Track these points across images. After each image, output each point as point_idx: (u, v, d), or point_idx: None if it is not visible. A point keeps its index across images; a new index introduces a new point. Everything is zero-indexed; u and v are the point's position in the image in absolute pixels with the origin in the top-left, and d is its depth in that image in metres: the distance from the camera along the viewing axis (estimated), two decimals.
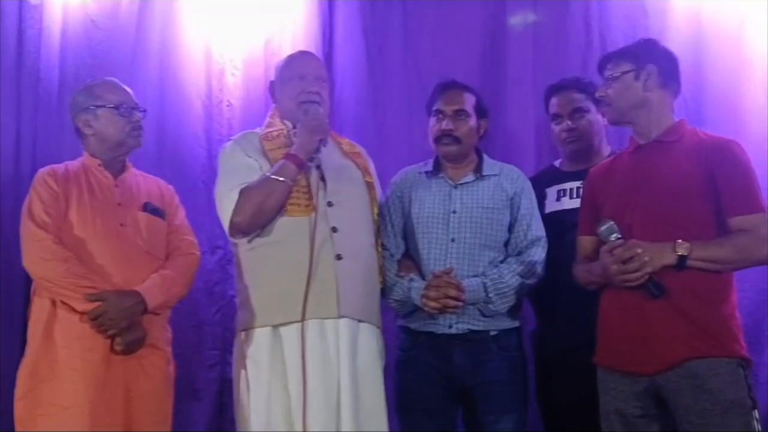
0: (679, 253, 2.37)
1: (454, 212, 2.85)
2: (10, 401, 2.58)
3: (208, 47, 3.51)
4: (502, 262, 2.83)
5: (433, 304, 2.70)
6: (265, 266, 2.65)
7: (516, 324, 2.85)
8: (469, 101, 2.93)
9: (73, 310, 2.56)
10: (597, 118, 3.04)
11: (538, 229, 2.87)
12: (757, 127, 3.27)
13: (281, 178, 2.60)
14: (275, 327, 2.59)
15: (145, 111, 2.85)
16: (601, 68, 2.66)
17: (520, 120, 3.45)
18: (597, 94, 2.71)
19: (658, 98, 2.57)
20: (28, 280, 2.71)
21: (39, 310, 2.61)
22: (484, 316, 2.78)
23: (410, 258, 2.88)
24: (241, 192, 2.61)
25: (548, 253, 2.85)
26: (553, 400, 2.92)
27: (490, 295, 2.75)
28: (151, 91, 3.38)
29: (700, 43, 3.39)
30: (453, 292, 2.69)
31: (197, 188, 3.32)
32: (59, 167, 2.76)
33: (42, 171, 2.74)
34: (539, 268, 2.82)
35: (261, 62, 3.51)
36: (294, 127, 2.75)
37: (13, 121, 3.35)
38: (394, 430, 2.71)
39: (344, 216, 2.68)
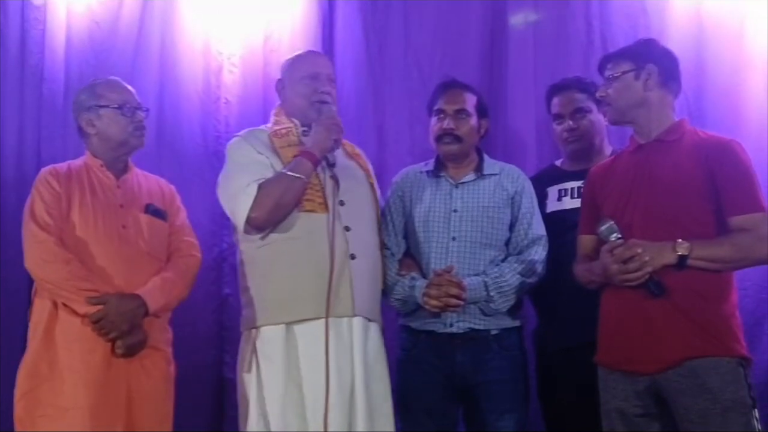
0: (679, 253, 2.37)
1: (455, 211, 2.86)
2: (10, 401, 2.58)
3: (207, 44, 3.51)
4: (502, 261, 2.84)
5: (434, 302, 2.71)
6: (282, 263, 2.63)
7: (517, 323, 2.86)
8: (470, 101, 2.94)
9: (75, 312, 2.56)
10: (598, 118, 3.04)
11: (539, 228, 2.88)
12: (758, 125, 3.27)
13: (297, 175, 2.60)
14: (289, 324, 2.59)
15: (148, 110, 2.85)
16: (601, 68, 2.66)
17: (520, 119, 3.45)
18: (597, 94, 2.72)
19: (659, 98, 2.57)
20: (30, 281, 2.71)
21: (40, 310, 2.61)
22: (485, 314, 2.78)
23: (411, 257, 2.89)
24: (260, 187, 2.59)
25: (549, 253, 2.86)
26: (554, 399, 2.92)
27: (491, 293, 2.76)
28: (152, 89, 3.39)
29: (701, 41, 3.38)
30: (454, 291, 2.70)
31: (193, 185, 3.30)
32: (61, 166, 2.75)
33: (44, 170, 2.74)
34: (540, 267, 2.83)
35: (260, 59, 3.51)
36: (303, 126, 2.76)
37: (16, 121, 3.36)
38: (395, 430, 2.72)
39: (355, 215, 2.70)
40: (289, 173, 2.60)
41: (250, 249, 2.70)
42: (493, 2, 3.53)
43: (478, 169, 2.92)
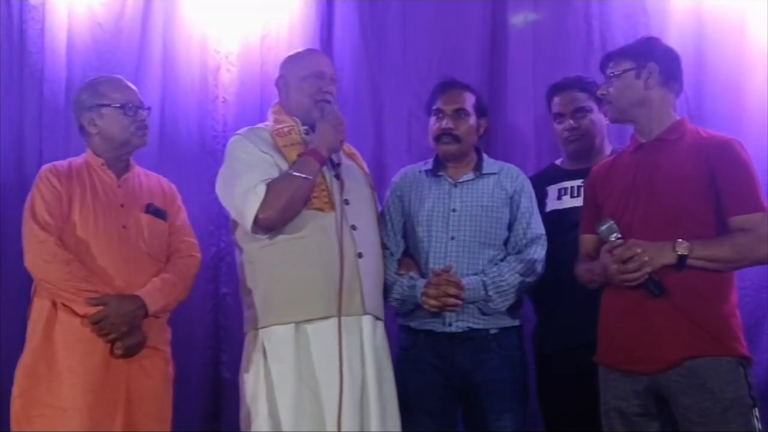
0: (679, 253, 2.37)
1: (454, 210, 2.86)
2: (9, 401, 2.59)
3: (205, 43, 3.50)
4: (501, 260, 2.84)
5: (432, 302, 2.71)
6: (290, 262, 2.61)
7: (516, 323, 2.86)
8: (468, 100, 2.94)
9: (74, 312, 2.56)
10: (599, 117, 3.04)
11: (538, 228, 2.88)
12: (759, 122, 3.27)
13: (305, 175, 2.58)
14: (299, 324, 2.58)
15: (149, 109, 2.84)
16: (603, 66, 2.66)
17: (520, 118, 3.44)
18: (598, 93, 2.72)
19: (659, 96, 2.56)
20: (31, 279, 2.69)
21: (39, 309, 2.61)
22: (484, 314, 2.78)
23: (410, 257, 2.89)
24: (268, 188, 2.56)
25: (549, 252, 2.86)
26: (554, 399, 2.92)
27: (490, 293, 2.76)
28: (155, 90, 3.38)
29: (701, 38, 3.38)
30: (453, 291, 2.70)
31: (191, 184, 3.28)
32: (62, 164, 2.75)
33: (45, 168, 2.73)
34: (539, 267, 2.83)
35: (257, 57, 3.50)
36: (303, 124, 2.75)
37: (15, 121, 3.36)
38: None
39: (359, 214, 2.71)
40: (296, 173, 2.58)
41: (254, 249, 2.67)
42: (493, 2, 3.53)
43: (477, 169, 2.92)
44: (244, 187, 2.59)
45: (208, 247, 3.33)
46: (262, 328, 2.62)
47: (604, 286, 2.54)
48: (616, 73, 2.58)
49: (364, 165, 2.95)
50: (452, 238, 2.83)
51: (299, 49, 3.02)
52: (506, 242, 2.87)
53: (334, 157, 2.71)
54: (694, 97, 3.28)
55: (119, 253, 2.64)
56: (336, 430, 2.49)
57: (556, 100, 3.11)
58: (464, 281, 2.73)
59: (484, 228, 2.84)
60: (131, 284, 2.62)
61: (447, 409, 2.82)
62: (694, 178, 2.45)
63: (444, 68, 3.36)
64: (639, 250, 2.38)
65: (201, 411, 3.32)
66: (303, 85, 2.78)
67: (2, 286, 3.22)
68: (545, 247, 2.85)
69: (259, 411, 2.56)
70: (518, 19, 3.49)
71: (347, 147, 2.89)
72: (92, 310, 2.55)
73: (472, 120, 2.93)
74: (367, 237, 2.71)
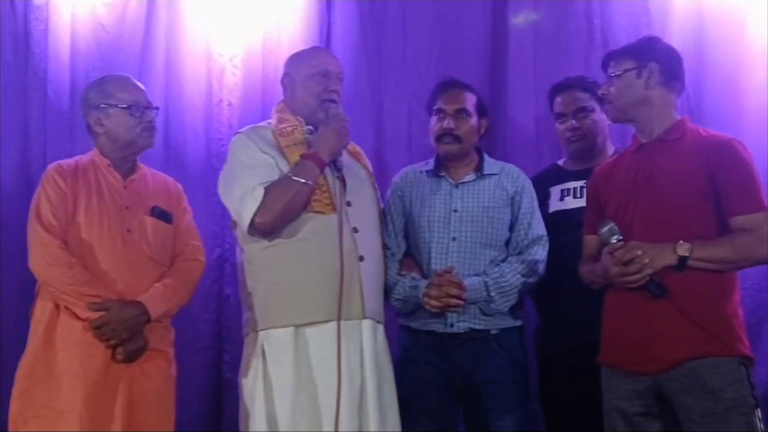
0: (680, 254, 2.37)
1: (455, 211, 2.86)
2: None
3: (209, 46, 3.50)
4: (503, 261, 2.84)
5: (434, 303, 2.71)
6: (290, 265, 2.59)
7: (517, 323, 2.86)
8: (470, 100, 2.93)
9: (76, 315, 2.56)
10: (601, 117, 3.03)
11: (539, 228, 2.87)
12: (759, 121, 3.26)
13: (305, 180, 2.56)
14: (298, 327, 2.57)
15: (158, 109, 2.83)
16: (605, 65, 2.65)
17: (521, 118, 3.44)
18: (599, 92, 2.71)
19: (660, 96, 2.56)
20: (34, 279, 2.69)
21: (41, 311, 2.61)
22: (485, 314, 2.78)
23: (411, 257, 2.89)
24: (266, 192, 2.55)
25: (551, 253, 2.86)
26: (555, 400, 2.93)
27: (492, 293, 2.76)
28: (158, 93, 3.37)
29: (702, 37, 3.37)
30: (454, 291, 2.70)
31: (196, 187, 3.29)
32: (69, 163, 2.74)
33: (51, 167, 2.72)
34: (540, 267, 2.83)
35: (259, 59, 3.50)
36: (307, 124, 2.74)
37: (19, 122, 3.37)
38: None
39: (361, 216, 2.69)
40: (296, 178, 2.56)
41: (254, 250, 2.66)
42: (493, 1, 3.52)
43: (478, 169, 2.92)
44: (242, 190, 2.58)
45: (213, 248, 3.34)
46: (261, 330, 2.62)
47: (607, 287, 2.53)
48: (617, 72, 2.58)
49: (369, 164, 2.93)
50: (454, 239, 2.83)
51: (303, 48, 3.02)
52: (507, 243, 2.87)
53: (337, 160, 2.69)
54: (694, 95, 3.28)
55: (123, 257, 2.63)
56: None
57: (557, 99, 3.10)
58: (466, 282, 2.73)
59: (486, 229, 2.84)
60: (134, 288, 2.62)
61: (447, 409, 2.82)
62: (694, 179, 2.44)
63: (444, 67, 3.35)
64: (639, 252, 2.38)
65: (202, 411, 3.32)
66: (309, 83, 2.75)
67: (4, 286, 3.23)
68: (546, 248, 2.85)
69: (257, 413, 2.56)
70: (519, 17, 3.48)
71: (351, 146, 2.87)
72: (94, 314, 2.55)
73: (474, 120, 2.93)
74: (369, 239, 2.69)
